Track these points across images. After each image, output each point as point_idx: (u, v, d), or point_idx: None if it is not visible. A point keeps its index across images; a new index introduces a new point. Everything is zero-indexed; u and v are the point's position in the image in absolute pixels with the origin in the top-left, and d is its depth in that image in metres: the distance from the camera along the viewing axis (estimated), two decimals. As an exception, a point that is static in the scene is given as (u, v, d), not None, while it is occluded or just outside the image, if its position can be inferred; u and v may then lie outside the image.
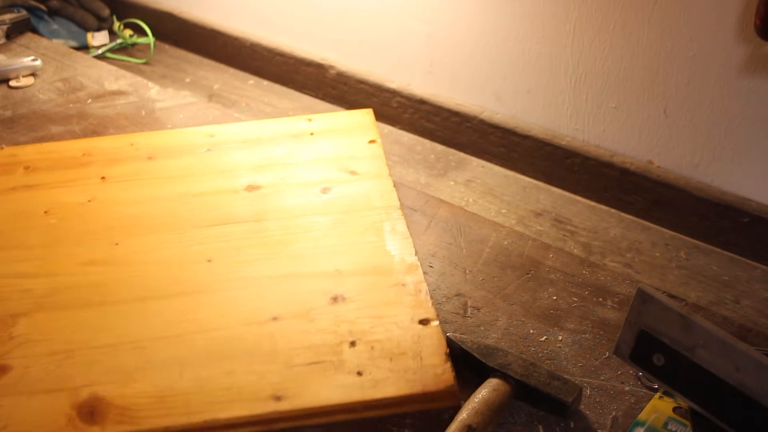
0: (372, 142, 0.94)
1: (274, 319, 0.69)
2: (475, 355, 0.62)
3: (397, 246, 0.77)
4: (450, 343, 0.64)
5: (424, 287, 0.71)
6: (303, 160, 0.91)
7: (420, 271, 0.73)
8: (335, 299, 0.71)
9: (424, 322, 0.68)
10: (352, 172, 0.88)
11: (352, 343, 0.66)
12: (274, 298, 0.71)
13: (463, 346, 0.63)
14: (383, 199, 0.84)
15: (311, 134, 0.96)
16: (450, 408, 0.61)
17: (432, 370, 0.63)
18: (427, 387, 0.61)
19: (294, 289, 0.72)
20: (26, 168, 0.91)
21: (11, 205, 0.85)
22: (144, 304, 0.71)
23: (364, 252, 0.76)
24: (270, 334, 0.67)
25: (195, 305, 0.71)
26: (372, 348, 0.65)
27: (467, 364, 0.64)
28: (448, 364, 0.63)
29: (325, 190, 0.86)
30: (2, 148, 0.96)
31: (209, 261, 0.76)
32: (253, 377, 0.63)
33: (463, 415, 0.58)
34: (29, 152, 0.94)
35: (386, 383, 0.62)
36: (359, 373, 0.63)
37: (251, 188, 0.86)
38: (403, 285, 0.72)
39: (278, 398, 0.61)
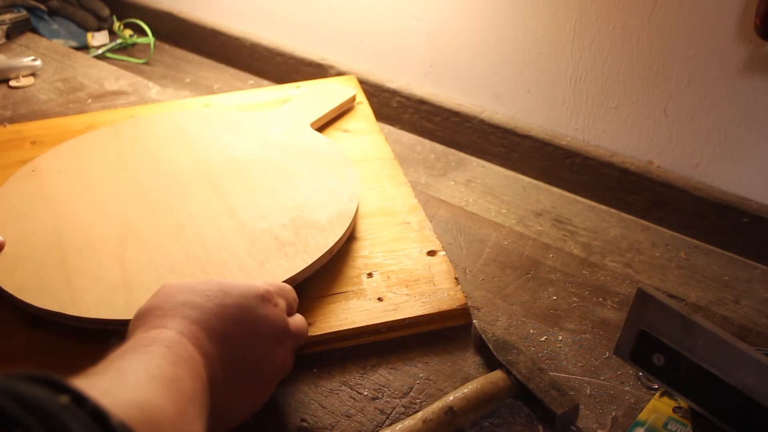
0: (359, 103, 1.00)
1: None
2: (489, 345, 0.65)
3: (397, 191, 0.83)
4: (473, 329, 0.67)
5: (428, 224, 0.78)
6: None
7: (422, 210, 0.80)
8: (347, 239, 0.76)
9: (431, 253, 0.75)
10: (345, 131, 0.95)
11: (370, 275, 0.72)
12: None
13: (482, 335, 0.66)
14: (378, 151, 0.90)
15: None
16: (464, 325, 0.69)
17: (445, 292, 0.70)
18: (443, 307, 0.69)
19: None
20: (33, 143, 0.94)
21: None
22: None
23: (368, 198, 0.82)
24: None
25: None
26: (388, 278, 0.72)
27: (482, 353, 0.66)
28: (459, 287, 0.71)
29: None
30: (5, 126, 0.98)
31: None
32: None
33: (450, 397, 0.60)
34: (33, 128, 0.97)
35: (405, 306, 0.69)
36: (380, 299, 0.69)
37: None
38: (408, 223, 0.78)
39: (309, 324, 0.66)
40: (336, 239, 0.72)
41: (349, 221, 0.74)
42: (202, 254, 0.71)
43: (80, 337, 0.66)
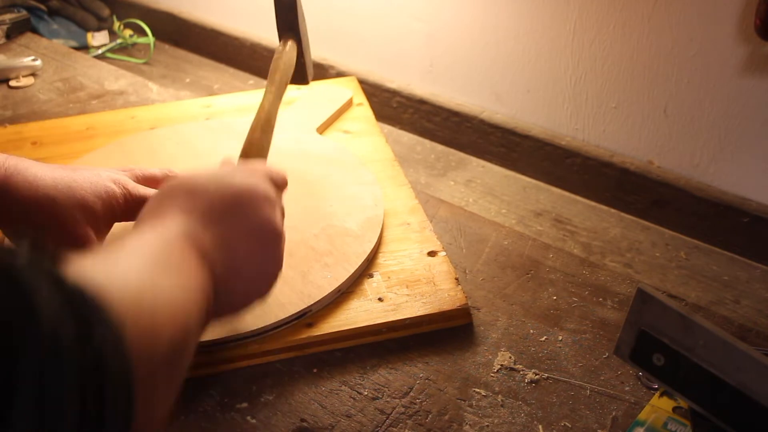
0: (360, 104, 1.00)
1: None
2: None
3: (398, 192, 0.84)
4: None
5: (428, 225, 0.79)
6: None
7: (422, 211, 0.80)
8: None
9: (432, 254, 0.75)
10: (346, 132, 0.95)
11: (370, 275, 0.72)
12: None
13: None
14: (378, 153, 0.91)
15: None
16: (464, 325, 0.70)
17: (446, 293, 0.70)
18: (443, 307, 0.69)
19: None
20: (33, 143, 0.94)
21: None
22: None
23: None
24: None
25: None
26: (389, 278, 0.72)
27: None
28: (459, 287, 0.71)
29: None
30: (5, 126, 0.98)
31: None
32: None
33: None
34: (33, 129, 0.97)
35: (406, 307, 0.69)
36: (380, 300, 0.69)
37: None
38: (408, 224, 0.79)
39: (310, 325, 0.67)
40: (372, 246, 0.73)
41: (380, 226, 0.75)
42: None
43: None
